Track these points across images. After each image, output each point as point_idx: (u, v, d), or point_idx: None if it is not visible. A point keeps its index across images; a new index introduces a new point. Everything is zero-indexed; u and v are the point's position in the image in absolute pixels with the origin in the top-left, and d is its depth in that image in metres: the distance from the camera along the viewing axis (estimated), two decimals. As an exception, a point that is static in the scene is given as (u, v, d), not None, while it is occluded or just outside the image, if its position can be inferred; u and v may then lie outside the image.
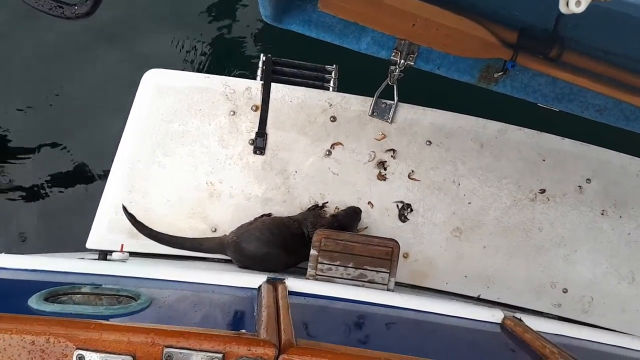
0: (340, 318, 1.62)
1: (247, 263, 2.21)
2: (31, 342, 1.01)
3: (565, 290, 2.47)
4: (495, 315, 1.66)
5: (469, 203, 2.48)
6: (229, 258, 2.29)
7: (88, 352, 1.01)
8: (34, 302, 1.23)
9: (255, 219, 2.34)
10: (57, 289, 1.32)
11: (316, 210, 2.40)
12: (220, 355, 1.03)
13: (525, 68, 2.07)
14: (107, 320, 1.20)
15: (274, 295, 1.44)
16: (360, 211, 2.39)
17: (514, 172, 2.50)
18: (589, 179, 2.52)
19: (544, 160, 2.51)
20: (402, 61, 2.16)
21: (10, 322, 1.02)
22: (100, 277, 1.52)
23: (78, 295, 1.34)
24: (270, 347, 1.05)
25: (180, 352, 1.03)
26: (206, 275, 1.59)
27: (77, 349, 1.02)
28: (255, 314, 1.33)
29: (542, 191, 2.51)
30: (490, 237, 2.47)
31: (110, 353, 1.02)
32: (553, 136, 2.53)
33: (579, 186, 2.52)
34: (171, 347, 1.03)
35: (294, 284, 1.60)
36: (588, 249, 2.49)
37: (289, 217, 2.34)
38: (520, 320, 1.63)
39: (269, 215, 2.39)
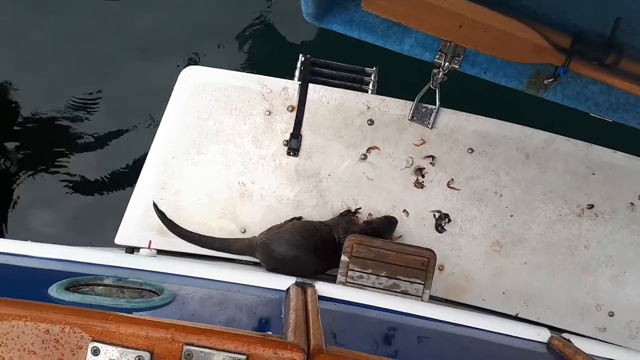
0: (372, 327, 1.53)
1: (275, 265, 2.14)
2: (45, 330, 0.96)
3: (611, 314, 2.32)
4: (542, 334, 1.54)
5: (511, 216, 2.36)
6: (257, 260, 2.23)
7: (104, 345, 0.96)
8: (54, 290, 1.19)
9: (286, 221, 2.28)
10: (79, 279, 1.28)
11: (348, 215, 2.32)
12: (244, 357, 0.96)
13: (578, 75, 1.98)
14: (127, 313, 1.14)
15: (303, 298, 1.36)
16: (396, 221, 2.30)
17: (561, 185, 2.37)
18: None
19: (593, 174, 2.38)
20: (447, 64, 2.08)
21: (25, 308, 0.97)
22: (124, 270, 1.48)
23: (100, 287, 1.30)
24: (298, 351, 0.97)
25: (201, 351, 0.96)
26: (232, 274, 1.53)
27: (93, 340, 0.96)
28: (282, 316, 1.25)
29: (590, 207, 2.37)
30: (532, 253, 2.35)
31: (127, 347, 0.96)
32: (604, 149, 2.39)
33: (631, 203, 2.37)
34: (192, 344, 0.96)
35: (324, 288, 1.53)
36: (638, 270, 2.34)
37: (320, 221, 2.27)
38: (568, 340, 1.51)
39: (300, 218, 2.32)
